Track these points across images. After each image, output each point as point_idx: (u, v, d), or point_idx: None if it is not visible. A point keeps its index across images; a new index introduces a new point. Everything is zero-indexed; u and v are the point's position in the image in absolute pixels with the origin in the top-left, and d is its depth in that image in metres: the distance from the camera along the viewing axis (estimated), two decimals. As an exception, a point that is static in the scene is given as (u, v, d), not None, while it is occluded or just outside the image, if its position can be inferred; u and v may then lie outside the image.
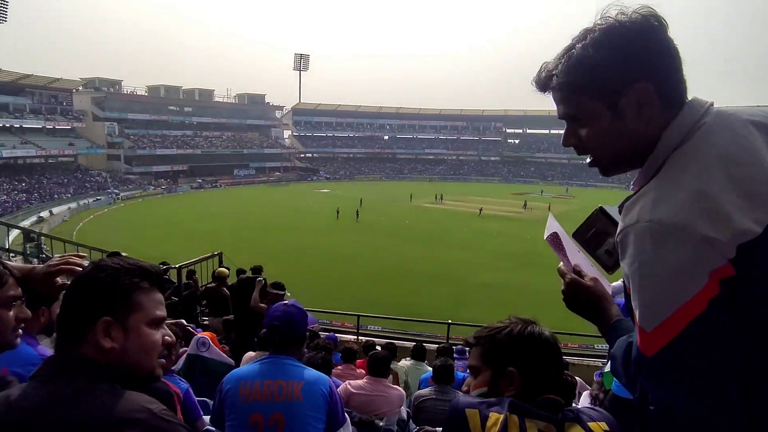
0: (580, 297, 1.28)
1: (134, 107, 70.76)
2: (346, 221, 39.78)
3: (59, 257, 1.63)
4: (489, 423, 1.14)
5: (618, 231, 0.91)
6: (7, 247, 13.03)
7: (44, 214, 40.11)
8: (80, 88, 66.13)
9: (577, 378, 5.01)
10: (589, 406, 1.22)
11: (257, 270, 6.94)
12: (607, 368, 3.15)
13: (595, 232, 1.26)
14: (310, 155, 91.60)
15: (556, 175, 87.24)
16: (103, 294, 1.04)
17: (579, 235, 1.31)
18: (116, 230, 33.58)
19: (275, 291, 5.11)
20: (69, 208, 43.63)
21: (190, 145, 73.03)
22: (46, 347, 1.69)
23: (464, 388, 1.40)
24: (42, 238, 13.81)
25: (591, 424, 1.17)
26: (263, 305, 5.24)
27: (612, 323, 1.20)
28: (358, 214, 41.49)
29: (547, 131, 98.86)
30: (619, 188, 78.26)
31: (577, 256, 1.34)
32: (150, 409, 0.95)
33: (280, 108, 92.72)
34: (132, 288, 1.06)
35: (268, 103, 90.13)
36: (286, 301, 2.34)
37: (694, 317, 0.79)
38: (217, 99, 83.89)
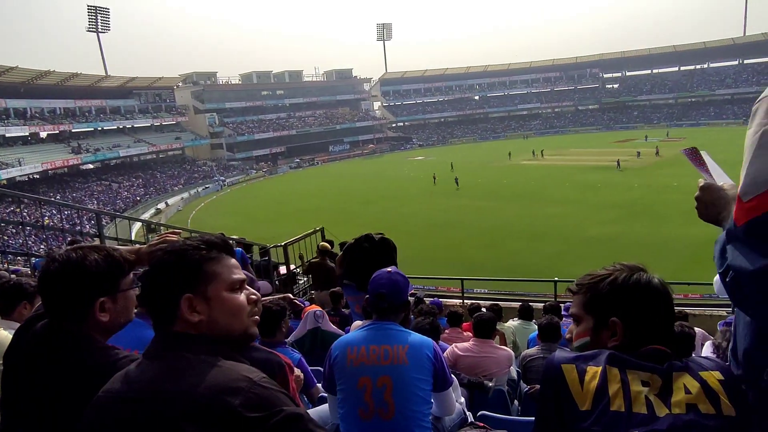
0: (715, 200, 1.19)
1: (230, 96, 74.39)
2: (444, 186, 39.46)
3: (158, 237, 1.79)
4: (587, 377, 1.09)
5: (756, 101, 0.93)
6: (132, 238, 14.53)
7: (161, 206, 43.90)
8: (180, 84, 70.37)
9: (697, 329, 4.59)
10: (706, 356, 1.12)
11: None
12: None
13: None
14: (401, 124, 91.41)
15: (663, 117, 78.94)
16: (176, 274, 1.09)
17: None
18: (226, 215, 36.27)
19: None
20: (182, 198, 47.09)
21: (285, 127, 75.83)
22: None
23: (567, 335, 1.33)
24: (162, 228, 15.21)
25: (703, 374, 1.09)
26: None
27: None
28: (457, 182, 39.56)
29: (648, 71, 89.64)
30: (735, 123, 69.30)
31: (723, 176, 1.26)
32: (250, 378, 0.99)
33: (368, 80, 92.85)
34: (201, 260, 1.11)
35: (356, 76, 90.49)
36: (389, 269, 2.34)
37: None
38: (306, 79, 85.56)
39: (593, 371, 1.10)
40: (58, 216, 28.34)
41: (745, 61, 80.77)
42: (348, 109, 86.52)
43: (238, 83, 78.81)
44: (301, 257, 8.56)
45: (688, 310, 6.52)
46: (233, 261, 1.18)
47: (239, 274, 1.16)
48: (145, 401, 0.97)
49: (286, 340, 3.34)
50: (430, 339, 2.25)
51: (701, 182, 1.25)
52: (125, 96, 61.36)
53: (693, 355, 3.21)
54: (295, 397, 1.97)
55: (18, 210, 32.92)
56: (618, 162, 40.51)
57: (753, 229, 0.84)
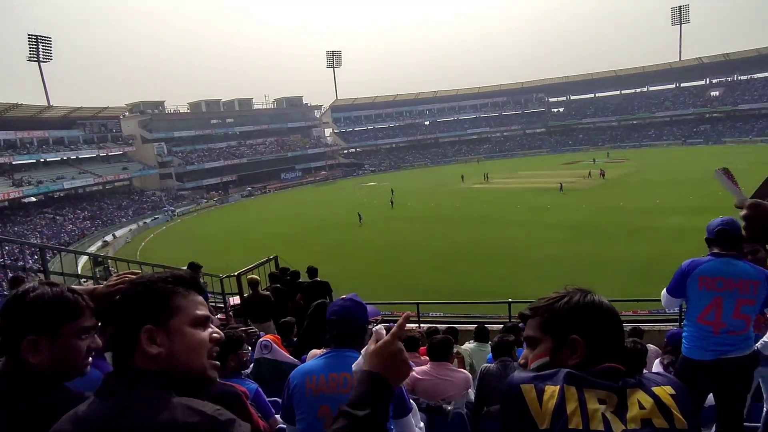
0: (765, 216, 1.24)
1: (179, 125, 73.16)
2: (397, 211, 39.96)
3: (116, 276, 1.73)
4: (545, 397, 1.13)
5: None
6: (78, 272, 13.88)
7: (108, 238, 42.24)
8: (126, 113, 68.87)
9: (650, 345, 4.84)
10: (657, 371, 1.17)
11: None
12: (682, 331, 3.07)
13: None
14: (353, 150, 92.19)
15: (606, 139, 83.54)
16: (140, 305, 1.09)
17: (761, 195, 1.29)
18: (177, 246, 35.10)
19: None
20: (130, 230, 45.64)
21: (236, 155, 74.99)
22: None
23: (521, 360, 1.38)
24: (109, 261, 14.59)
25: (655, 389, 1.14)
26: None
27: None
28: (392, 204, 42.41)
29: (592, 95, 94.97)
30: (675, 143, 74.22)
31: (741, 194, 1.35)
32: (203, 411, 0.98)
33: (319, 107, 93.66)
34: (167, 293, 1.11)
35: (306, 104, 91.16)
36: (344, 296, 2.37)
37: None
38: (256, 107, 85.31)
39: (551, 390, 1.13)
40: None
41: (682, 85, 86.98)
42: (299, 137, 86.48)
43: (186, 112, 77.61)
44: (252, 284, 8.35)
45: (638, 326, 6.76)
46: (200, 298, 1.17)
47: (204, 311, 1.15)
48: None
49: (243, 371, 3.30)
50: (388, 365, 2.27)
51: (744, 201, 1.30)
52: (69, 126, 59.38)
53: (644, 371, 3.40)
54: (257, 421, 1.97)
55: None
56: (561, 185, 41.90)
57: None
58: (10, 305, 1.29)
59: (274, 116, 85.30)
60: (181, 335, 1.09)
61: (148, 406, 0.98)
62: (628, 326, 5.91)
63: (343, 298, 2.36)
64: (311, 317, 4.40)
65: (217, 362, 1.18)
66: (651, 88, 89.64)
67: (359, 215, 36.54)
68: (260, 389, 3.08)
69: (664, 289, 3.13)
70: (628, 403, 1.11)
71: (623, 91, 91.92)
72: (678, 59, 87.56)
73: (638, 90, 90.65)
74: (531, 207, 35.85)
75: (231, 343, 2.91)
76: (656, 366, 3.96)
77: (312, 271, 7.64)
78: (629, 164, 56.53)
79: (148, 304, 1.09)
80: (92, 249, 35.11)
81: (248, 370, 4.16)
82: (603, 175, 46.96)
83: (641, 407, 1.10)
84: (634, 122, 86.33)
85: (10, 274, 6.22)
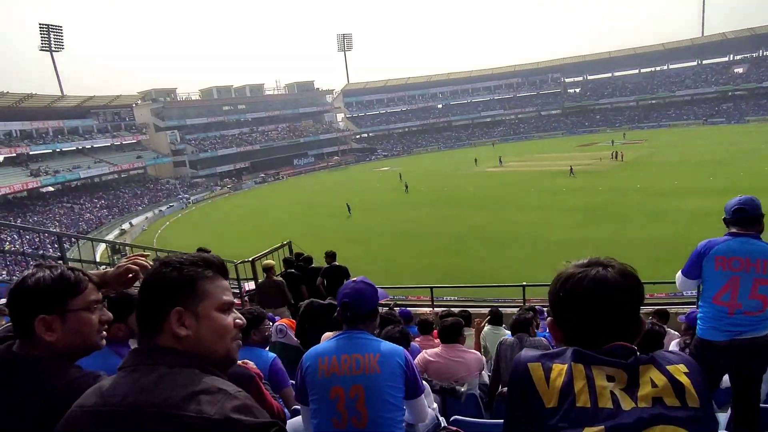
0: None
1: (191, 113, 73.31)
2: (410, 196, 39.90)
3: (126, 258, 1.77)
4: (553, 375, 1.13)
5: None
6: (96, 260, 14.12)
7: (125, 226, 42.87)
8: (139, 101, 69.16)
9: (669, 330, 4.78)
10: (671, 350, 1.14)
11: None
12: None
13: None
14: (365, 135, 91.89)
15: (624, 120, 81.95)
16: (171, 286, 1.11)
17: None
18: (192, 233, 35.57)
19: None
20: (146, 218, 46.25)
21: (249, 142, 75.18)
22: None
23: (546, 331, 1.40)
24: (127, 249, 14.81)
25: (669, 367, 1.12)
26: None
27: None
28: (407, 188, 42.40)
29: (609, 75, 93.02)
30: (695, 123, 72.56)
31: None
32: (225, 390, 1.00)
33: (330, 92, 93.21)
34: (197, 277, 1.13)
35: (318, 88, 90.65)
36: (356, 278, 2.38)
37: None
38: (267, 92, 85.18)
39: (559, 368, 1.13)
40: (20, 240, 27.34)
41: (704, 62, 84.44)
42: (311, 122, 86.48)
43: (198, 99, 77.80)
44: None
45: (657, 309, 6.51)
46: (226, 283, 1.20)
47: (230, 297, 1.18)
48: (118, 414, 0.98)
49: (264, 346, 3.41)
50: (401, 347, 2.28)
51: None
52: (83, 116, 59.89)
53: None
54: (271, 402, 2.01)
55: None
56: (571, 168, 41.18)
57: None
58: (15, 292, 1.32)
59: (286, 102, 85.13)
60: (208, 319, 1.13)
61: (172, 381, 1.01)
62: (652, 308, 5.82)
63: (354, 281, 2.36)
64: (304, 317, 4.43)
65: (239, 342, 1.22)
66: (671, 66, 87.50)
67: (348, 206, 35.72)
68: (278, 359, 3.21)
69: (679, 271, 3.08)
70: (639, 381, 1.09)
71: (642, 70, 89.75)
72: (700, 35, 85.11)
73: (658, 68, 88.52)
74: (546, 190, 35.50)
75: (253, 319, 3.15)
76: (673, 348, 3.91)
77: (331, 256, 7.67)
78: (647, 145, 55.49)
79: (178, 286, 1.11)
80: (110, 237, 35.73)
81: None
82: (620, 157, 46.16)
83: (653, 385, 1.08)
84: (653, 102, 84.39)
85: (32, 262, 6.34)
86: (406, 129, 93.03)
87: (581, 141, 67.84)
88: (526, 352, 1.23)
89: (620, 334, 1.17)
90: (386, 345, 2.24)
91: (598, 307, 1.16)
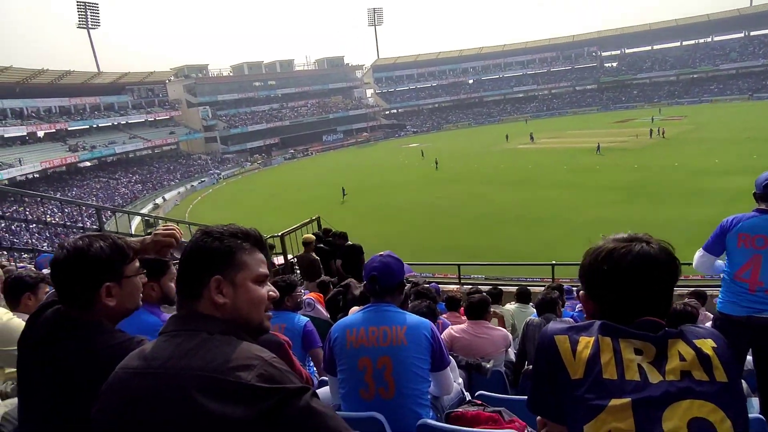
0: None
1: (222, 89, 74.00)
2: (440, 173, 39.61)
3: (163, 227, 1.86)
4: (579, 347, 1.13)
5: None
6: (132, 232, 14.56)
7: (158, 200, 44.10)
8: (172, 78, 70.17)
9: (704, 312, 4.65)
10: (700, 325, 1.14)
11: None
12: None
13: None
14: (394, 111, 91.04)
15: (664, 95, 78.34)
16: (212, 255, 1.15)
17: None
18: (223, 207, 36.32)
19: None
20: (179, 193, 47.48)
21: (278, 118, 75.56)
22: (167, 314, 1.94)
23: (572, 310, 1.41)
24: (160, 222, 15.24)
25: (697, 341, 1.12)
26: None
27: None
28: (437, 165, 41.98)
29: (649, 48, 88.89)
30: (740, 99, 69.04)
31: None
32: (262, 357, 1.05)
33: (360, 67, 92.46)
34: (236, 249, 1.17)
35: (347, 64, 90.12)
36: (382, 252, 2.40)
37: None
38: (297, 68, 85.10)
39: (586, 341, 1.13)
40: (60, 213, 28.58)
41: (752, 33, 79.63)
42: (341, 98, 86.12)
43: (229, 75, 78.53)
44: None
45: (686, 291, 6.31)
46: (261, 256, 1.24)
47: (265, 270, 1.23)
48: (160, 376, 1.03)
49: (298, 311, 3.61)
50: (427, 320, 2.31)
51: None
52: (118, 92, 61.12)
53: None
54: (300, 369, 2.09)
55: (21, 209, 33.28)
56: (598, 145, 39.95)
57: None
58: (77, 262, 1.38)
59: (316, 77, 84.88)
60: (245, 290, 1.17)
61: (211, 346, 1.06)
62: (688, 289, 5.69)
63: (381, 255, 2.39)
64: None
65: (270, 314, 1.27)
66: (716, 38, 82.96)
67: (343, 190, 34.80)
68: (310, 322, 3.40)
69: (700, 248, 3.00)
70: (668, 354, 1.09)
71: (684, 43, 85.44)
72: (748, 4, 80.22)
73: (701, 40, 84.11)
74: (578, 168, 34.65)
75: (286, 286, 3.36)
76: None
77: (342, 237, 7.82)
78: (687, 122, 53.26)
79: (219, 256, 1.15)
80: (144, 211, 36.75)
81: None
82: (661, 133, 44.24)
83: (682, 359, 1.08)
84: (695, 76, 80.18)
85: (70, 235, 6.60)
86: (436, 105, 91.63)
87: (617, 117, 65.45)
88: (554, 325, 1.23)
89: (653, 309, 1.17)
90: (413, 318, 2.27)
91: (640, 283, 1.16)
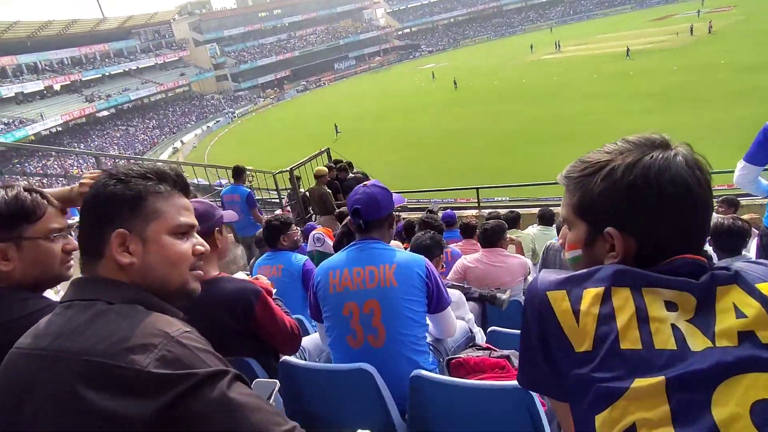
0: None
1: (228, 23, 72.11)
2: (459, 94, 38.06)
3: (89, 173, 1.59)
4: (584, 306, 0.76)
5: None
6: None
7: (177, 144, 44.01)
8: (176, 16, 68.76)
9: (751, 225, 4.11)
10: (760, 261, 0.68)
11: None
12: None
13: None
14: (407, 30, 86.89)
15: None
16: (113, 203, 0.92)
17: None
18: (241, 146, 36.00)
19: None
20: (195, 135, 47.24)
21: (287, 49, 73.68)
22: None
23: (560, 240, 0.94)
24: (181, 167, 15.19)
25: (759, 286, 0.73)
26: None
27: None
28: (455, 84, 40.25)
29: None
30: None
31: None
32: (167, 332, 0.83)
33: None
34: (146, 193, 0.95)
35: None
36: (366, 182, 2.07)
37: None
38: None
39: (592, 294, 0.76)
40: (85, 165, 29.33)
41: None
42: (350, 21, 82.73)
43: (234, 8, 76.50)
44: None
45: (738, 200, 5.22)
46: (185, 201, 1.00)
47: (189, 218, 0.99)
48: (45, 359, 0.82)
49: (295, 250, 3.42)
50: (421, 256, 2.01)
51: None
52: (125, 37, 60.21)
53: (743, 253, 2.74)
54: (281, 317, 1.85)
55: (48, 163, 34.20)
56: (627, 49, 37.04)
57: None
58: None
59: (323, 1, 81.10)
60: (158, 245, 0.94)
61: (104, 321, 0.84)
62: (718, 198, 5.01)
63: (365, 185, 2.07)
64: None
65: (200, 272, 1.01)
66: None
67: (335, 127, 33.05)
68: (310, 260, 3.26)
69: (740, 160, 2.51)
70: (716, 308, 0.73)
71: None
72: None
73: None
74: (610, 75, 32.30)
75: (281, 225, 3.20)
76: (753, 250, 3.20)
77: (344, 170, 7.70)
78: (736, 11, 48.17)
79: (122, 204, 0.92)
80: (164, 156, 37.06)
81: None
82: (708, 29, 40.37)
83: (739, 314, 0.71)
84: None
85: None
86: (452, 19, 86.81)
87: (654, 14, 60.16)
88: (544, 275, 0.84)
89: (691, 243, 0.80)
90: (403, 254, 1.98)
91: (678, 208, 0.80)
